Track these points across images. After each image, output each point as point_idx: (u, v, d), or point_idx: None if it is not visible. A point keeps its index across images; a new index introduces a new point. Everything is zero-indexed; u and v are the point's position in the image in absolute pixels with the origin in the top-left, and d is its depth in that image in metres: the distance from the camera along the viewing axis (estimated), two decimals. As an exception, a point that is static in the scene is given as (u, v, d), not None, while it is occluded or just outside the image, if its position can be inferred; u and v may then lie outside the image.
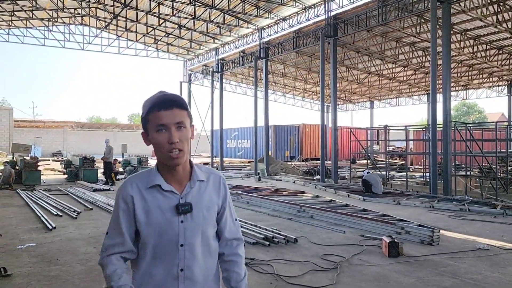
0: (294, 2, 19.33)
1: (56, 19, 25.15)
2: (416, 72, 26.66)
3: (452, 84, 20.56)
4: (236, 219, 1.81)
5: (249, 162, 29.56)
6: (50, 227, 8.09)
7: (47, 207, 10.46)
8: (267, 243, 6.78)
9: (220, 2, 20.29)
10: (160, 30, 26.25)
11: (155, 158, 1.69)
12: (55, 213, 9.67)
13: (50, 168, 24.65)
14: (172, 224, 1.59)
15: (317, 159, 29.11)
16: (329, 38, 17.73)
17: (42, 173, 17.88)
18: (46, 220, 8.69)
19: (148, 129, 1.60)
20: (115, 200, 1.69)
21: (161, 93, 1.61)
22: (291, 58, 25.48)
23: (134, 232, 1.64)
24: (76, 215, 9.47)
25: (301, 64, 26.50)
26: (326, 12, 18.27)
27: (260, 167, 21.36)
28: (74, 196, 12.74)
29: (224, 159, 27.87)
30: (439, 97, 13.05)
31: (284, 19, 21.26)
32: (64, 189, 14.71)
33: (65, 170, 19.88)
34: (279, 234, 7.24)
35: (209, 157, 28.65)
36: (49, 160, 32.12)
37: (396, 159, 29.05)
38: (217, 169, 25.11)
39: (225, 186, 1.76)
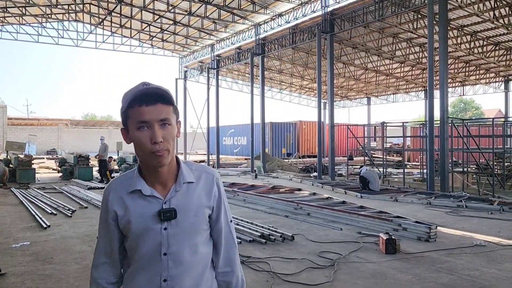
0: (290, -2, 19.22)
1: (49, 16, 24.91)
2: (413, 68, 26.64)
3: (449, 80, 20.52)
4: (231, 221, 1.67)
5: (245, 159, 29.51)
6: (45, 226, 8.02)
7: (41, 206, 10.38)
8: (264, 240, 6.73)
9: (216, -2, 20.17)
10: (155, 26, 26.09)
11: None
12: (50, 212, 9.59)
13: (44, 166, 24.50)
14: (154, 232, 1.46)
15: (314, 156, 29.10)
16: (326, 34, 17.65)
17: (36, 171, 17.77)
18: (40, 218, 8.62)
19: (129, 126, 1.44)
20: (101, 207, 1.59)
21: (144, 85, 1.43)
22: (288, 55, 25.39)
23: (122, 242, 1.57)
24: (71, 214, 9.39)
25: (297, 60, 26.42)
26: (323, 7, 18.17)
27: (256, 164, 21.31)
28: (68, 195, 12.65)
29: (221, 156, 27.79)
30: (436, 93, 13.01)
31: (280, 15, 21.15)
32: (58, 187, 14.61)
33: (59, 168, 19.76)
34: (275, 231, 7.19)
35: (205, 154, 28.56)
36: (43, 158, 31.91)
37: (393, 155, 29.06)
38: (213, 166, 25.06)
39: (219, 186, 1.60)
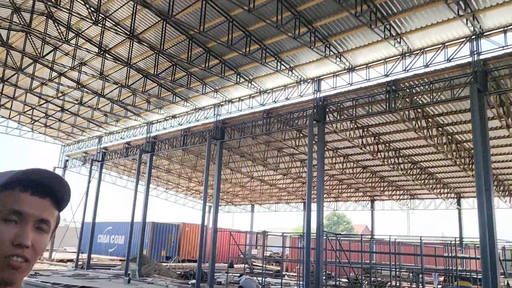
0: (185, 102, 19.97)
1: None
2: (294, 181, 28.48)
3: (325, 195, 22.32)
4: None
5: (120, 260, 27.19)
6: None
7: None
8: None
9: (110, 91, 20.07)
10: (40, 111, 24.68)
11: None
12: None
13: None
14: None
15: (195, 261, 28.02)
16: (216, 140, 18.33)
17: None
18: None
19: None
20: None
21: (40, 170, 1.03)
22: (177, 155, 25.54)
23: None
24: None
25: (187, 162, 26.64)
26: (215, 115, 19.14)
27: (131, 267, 19.72)
28: None
29: (93, 255, 25.31)
30: (314, 206, 13.87)
31: (174, 116, 21.65)
32: None
33: None
34: None
35: (75, 252, 25.73)
36: None
37: (272, 264, 29.32)
38: (82, 267, 22.53)
39: None
